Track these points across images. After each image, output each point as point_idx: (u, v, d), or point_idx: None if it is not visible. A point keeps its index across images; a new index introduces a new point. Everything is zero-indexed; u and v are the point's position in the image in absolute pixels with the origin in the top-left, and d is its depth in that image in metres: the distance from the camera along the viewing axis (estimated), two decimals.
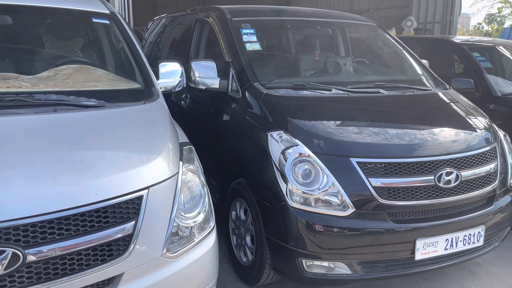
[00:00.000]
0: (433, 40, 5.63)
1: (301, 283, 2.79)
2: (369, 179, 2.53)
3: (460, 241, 2.72)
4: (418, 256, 2.61)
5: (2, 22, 2.85)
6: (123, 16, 7.60)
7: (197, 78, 3.41)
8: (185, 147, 2.34)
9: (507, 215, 3.02)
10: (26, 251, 1.61)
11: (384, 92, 3.23)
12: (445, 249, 2.68)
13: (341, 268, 2.59)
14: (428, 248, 2.62)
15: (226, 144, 3.30)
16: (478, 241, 2.79)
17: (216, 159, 3.51)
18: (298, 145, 2.64)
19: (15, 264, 1.59)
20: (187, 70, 3.44)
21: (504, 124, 4.14)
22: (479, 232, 2.78)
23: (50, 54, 3.08)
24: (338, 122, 2.81)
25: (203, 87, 3.42)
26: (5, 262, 1.57)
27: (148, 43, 6.16)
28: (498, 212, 2.92)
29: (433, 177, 2.62)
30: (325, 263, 2.59)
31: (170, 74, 3.10)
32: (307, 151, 2.60)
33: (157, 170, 2.00)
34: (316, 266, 2.60)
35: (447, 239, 2.67)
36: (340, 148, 2.61)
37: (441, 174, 2.64)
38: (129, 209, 1.85)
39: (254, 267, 2.92)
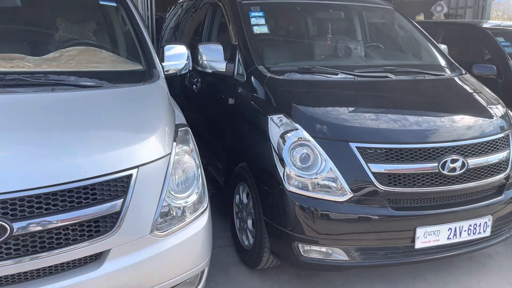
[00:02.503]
0: (457, 25, 5.41)
1: (298, 268, 2.78)
2: (368, 164, 2.48)
3: (465, 230, 2.63)
4: (418, 244, 2.54)
5: (12, 4, 2.92)
6: (148, 2, 7.65)
7: (205, 62, 3.41)
8: (180, 129, 2.34)
9: None
10: (14, 224, 1.67)
11: (392, 77, 3.13)
12: (448, 238, 2.60)
13: (338, 254, 2.56)
14: (429, 236, 2.55)
15: (231, 128, 3.30)
16: (484, 231, 2.69)
17: (222, 142, 3.52)
18: (298, 129, 2.61)
19: (2, 236, 1.65)
20: (195, 54, 3.45)
21: None
22: (486, 222, 2.69)
23: (62, 37, 3.14)
24: (340, 107, 2.76)
25: (210, 71, 3.42)
26: None
27: (169, 28, 6.19)
28: (508, 202, 2.81)
29: (436, 164, 2.54)
30: (322, 249, 2.56)
31: (176, 57, 3.12)
32: (306, 135, 2.56)
33: (148, 150, 2.02)
34: (313, 251, 2.58)
35: (450, 228, 2.59)
36: (339, 132, 2.56)
37: (446, 161, 2.56)
38: (117, 187, 1.88)
39: (254, 251, 2.94)
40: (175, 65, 3.10)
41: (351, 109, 2.74)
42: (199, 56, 3.41)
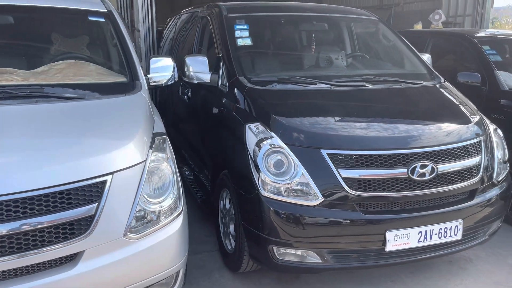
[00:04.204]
0: (445, 34, 5.50)
1: (274, 270, 2.88)
2: (339, 170, 2.58)
3: (435, 234, 2.71)
4: (389, 247, 2.63)
5: (4, 21, 3.09)
6: (147, 15, 7.86)
7: (191, 73, 3.55)
8: (158, 137, 2.47)
9: (492, 209, 2.97)
10: None
11: (369, 86, 3.24)
12: (419, 241, 2.69)
13: (312, 257, 2.66)
14: (399, 240, 2.64)
15: (215, 136, 3.43)
16: (455, 235, 2.77)
17: (209, 151, 3.64)
18: (273, 137, 2.72)
19: None
20: (182, 66, 3.60)
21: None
22: (457, 226, 2.76)
23: (58, 51, 3.31)
24: (314, 115, 2.87)
25: (196, 81, 3.56)
26: None
27: (168, 40, 6.38)
28: (480, 207, 2.88)
29: (406, 169, 2.64)
30: (296, 251, 2.66)
31: (161, 69, 3.27)
32: (280, 142, 2.68)
33: (123, 157, 2.15)
34: (287, 254, 2.68)
35: (420, 232, 2.68)
36: (312, 140, 2.67)
37: (415, 167, 2.65)
38: (92, 192, 2.01)
39: (235, 254, 3.04)
40: (160, 76, 3.25)
41: (324, 117, 2.86)
42: (186, 68, 3.55)
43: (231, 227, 3.14)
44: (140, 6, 7.73)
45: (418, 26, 10.29)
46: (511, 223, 4.08)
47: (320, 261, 2.65)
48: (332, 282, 3.12)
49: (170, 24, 6.53)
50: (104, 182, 2.04)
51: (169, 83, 3.34)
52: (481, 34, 5.35)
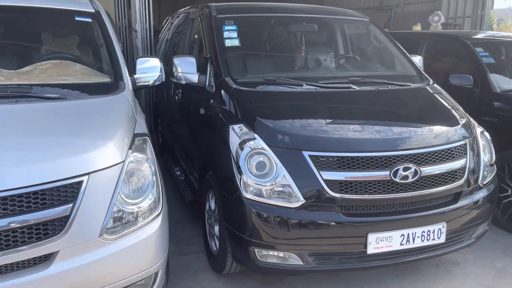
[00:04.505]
0: (438, 35, 5.48)
1: (256, 272, 2.87)
2: (320, 172, 2.57)
3: (418, 237, 2.70)
4: (371, 250, 2.62)
5: None
6: (144, 15, 7.89)
7: (180, 74, 3.55)
8: (138, 138, 2.47)
9: (477, 213, 2.95)
10: None
11: (356, 87, 3.23)
12: (401, 244, 2.67)
13: (293, 259, 2.65)
14: (381, 242, 2.63)
15: (201, 137, 3.43)
16: (439, 238, 2.75)
17: (197, 151, 3.64)
18: (256, 138, 2.72)
19: None
20: (170, 66, 3.60)
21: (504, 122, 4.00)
22: (440, 229, 2.75)
23: (48, 51, 3.31)
24: (297, 117, 2.86)
25: (184, 82, 3.55)
26: None
27: (164, 40, 6.40)
28: (465, 210, 2.87)
29: (388, 172, 2.62)
30: (277, 253, 2.65)
31: (148, 69, 3.28)
32: (262, 144, 2.67)
33: (100, 158, 2.14)
34: (269, 256, 2.67)
35: (403, 235, 2.66)
36: (294, 141, 2.66)
37: (398, 170, 2.64)
38: (67, 192, 2.01)
39: (219, 255, 3.04)
40: (147, 77, 3.26)
41: (307, 119, 2.85)
42: (174, 68, 3.55)
43: (216, 228, 3.13)
44: (137, 6, 7.75)
45: (417, 28, 10.26)
46: (501, 226, 4.06)
47: (302, 263, 2.64)
48: (316, 284, 3.11)
49: (166, 24, 6.54)
50: (80, 182, 2.04)
51: (156, 83, 3.35)
52: (476, 36, 5.33)
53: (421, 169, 2.69)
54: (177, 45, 5.21)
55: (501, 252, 3.64)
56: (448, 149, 2.84)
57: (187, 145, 4.10)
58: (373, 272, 3.25)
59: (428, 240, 2.73)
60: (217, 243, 3.13)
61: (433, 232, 2.73)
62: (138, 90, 3.74)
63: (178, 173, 4.56)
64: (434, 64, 5.23)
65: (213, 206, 3.20)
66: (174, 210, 4.41)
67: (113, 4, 7.79)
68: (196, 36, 4.27)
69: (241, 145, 2.71)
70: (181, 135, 4.41)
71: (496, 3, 12.10)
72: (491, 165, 3.12)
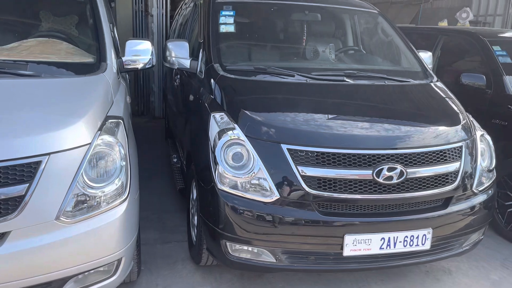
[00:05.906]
0: (455, 32, 5.19)
1: (227, 266, 2.78)
2: (298, 167, 2.44)
3: (400, 242, 2.54)
4: (347, 252, 2.48)
5: None
6: (161, 0, 7.86)
7: (173, 58, 3.46)
8: (111, 120, 2.40)
9: (470, 220, 2.77)
10: None
11: (350, 81, 3.07)
12: (381, 248, 2.52)
13: (266, 256, 2.54)
14: (359, 245, 2.49)
15: (189, 124, 3.34)
16: (423, 244, 2.59)
17: (184, 139, 3.56)
18: (235, 128, 2.61)
19: None
20: (164, 50, 3.51)
21: None
22: (425, 235, 2.58)
23: (41, 29, 3.28)
24: (281, 108, 2.73)
25: (177, 67, 3.47)
26: None
27: (178, 25, 6.33)
28: (455, 216, 2.69)
29: (371, 171, 2.47)
30: (249, 248, 2.55)
31: (139, 52, 3.21)
32: (240, 134, 2.56)
33: (64, 138, 2.07)
34: (242, 251, 2.57)
35: (383, 238, 2.51)
36: (273, 134, 2.53)
37: (382, 169, 2.48)
38: (24, 172, 1.95)
39: (196, 246, 2.96)
40: (138, 59, 3.19)
41: (290, 111, 2.71)
42: (168, 53, 3.46)
43: (195, 218, 3.05)
44: None
45: (443, 24, 9.85)
46: (504, 235, 3.84)
47: (275, 260, 2.53)
48: (296, 283, 3.00)
49: (180, 9, 6.46)
50: (39, 162, 1.98)
51: (147, 67, 3.27)
52: (497, 33, 5.03)
53: (408, 170, 2.52)
54: (184, 30, 5.13)
55: (499, 263, 3.43)
56: (441, 150, 2.65)
57: (180, 131, 4.03)
58: (356, 275, 3.11)
59: (411, 245, 2.57)
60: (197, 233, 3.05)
61: (417, 237, 2.57)
62: (129, 73, 3.68)
63: (175, 160, 4.50)
64: (450, 61, 4.98)
65: (195, 196, 3.12)
66: (168, 198, 4.38)
67: None
68: (197, 21, 4.16)
69: (220, 134, 2.61)
70: (177, 122, 4.35)
71: None
72: (490, 170, 2.92)
